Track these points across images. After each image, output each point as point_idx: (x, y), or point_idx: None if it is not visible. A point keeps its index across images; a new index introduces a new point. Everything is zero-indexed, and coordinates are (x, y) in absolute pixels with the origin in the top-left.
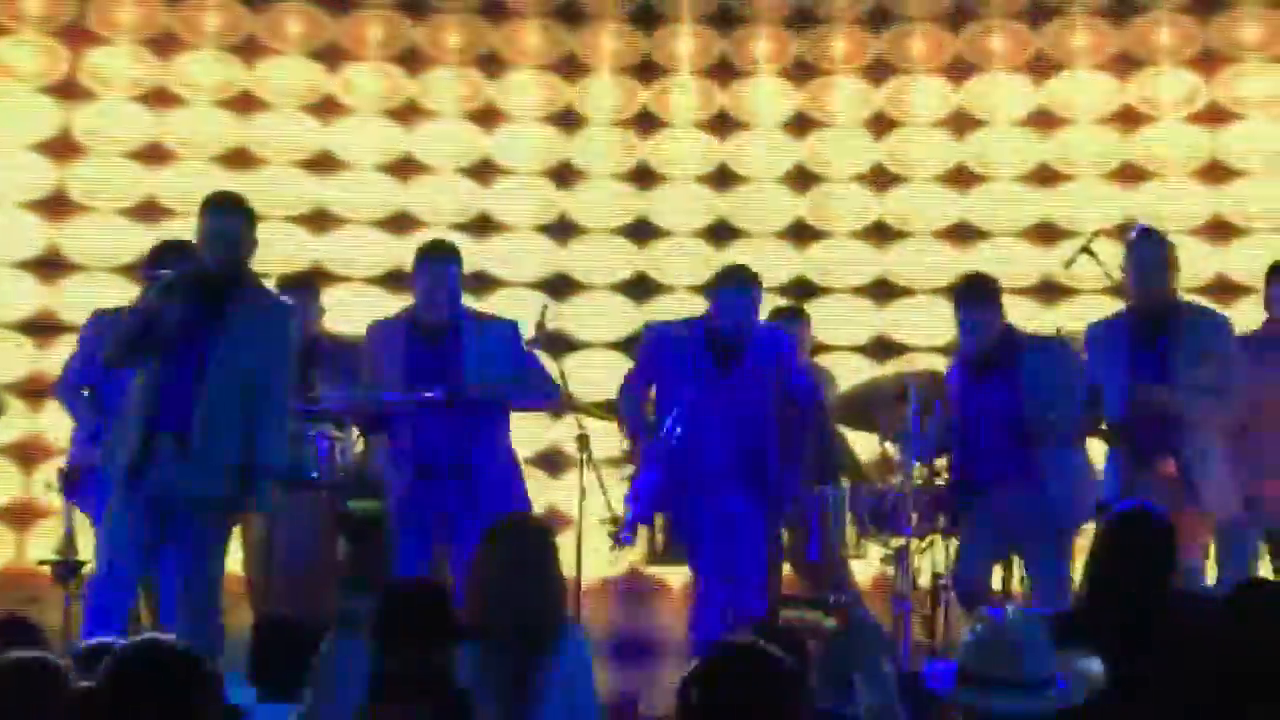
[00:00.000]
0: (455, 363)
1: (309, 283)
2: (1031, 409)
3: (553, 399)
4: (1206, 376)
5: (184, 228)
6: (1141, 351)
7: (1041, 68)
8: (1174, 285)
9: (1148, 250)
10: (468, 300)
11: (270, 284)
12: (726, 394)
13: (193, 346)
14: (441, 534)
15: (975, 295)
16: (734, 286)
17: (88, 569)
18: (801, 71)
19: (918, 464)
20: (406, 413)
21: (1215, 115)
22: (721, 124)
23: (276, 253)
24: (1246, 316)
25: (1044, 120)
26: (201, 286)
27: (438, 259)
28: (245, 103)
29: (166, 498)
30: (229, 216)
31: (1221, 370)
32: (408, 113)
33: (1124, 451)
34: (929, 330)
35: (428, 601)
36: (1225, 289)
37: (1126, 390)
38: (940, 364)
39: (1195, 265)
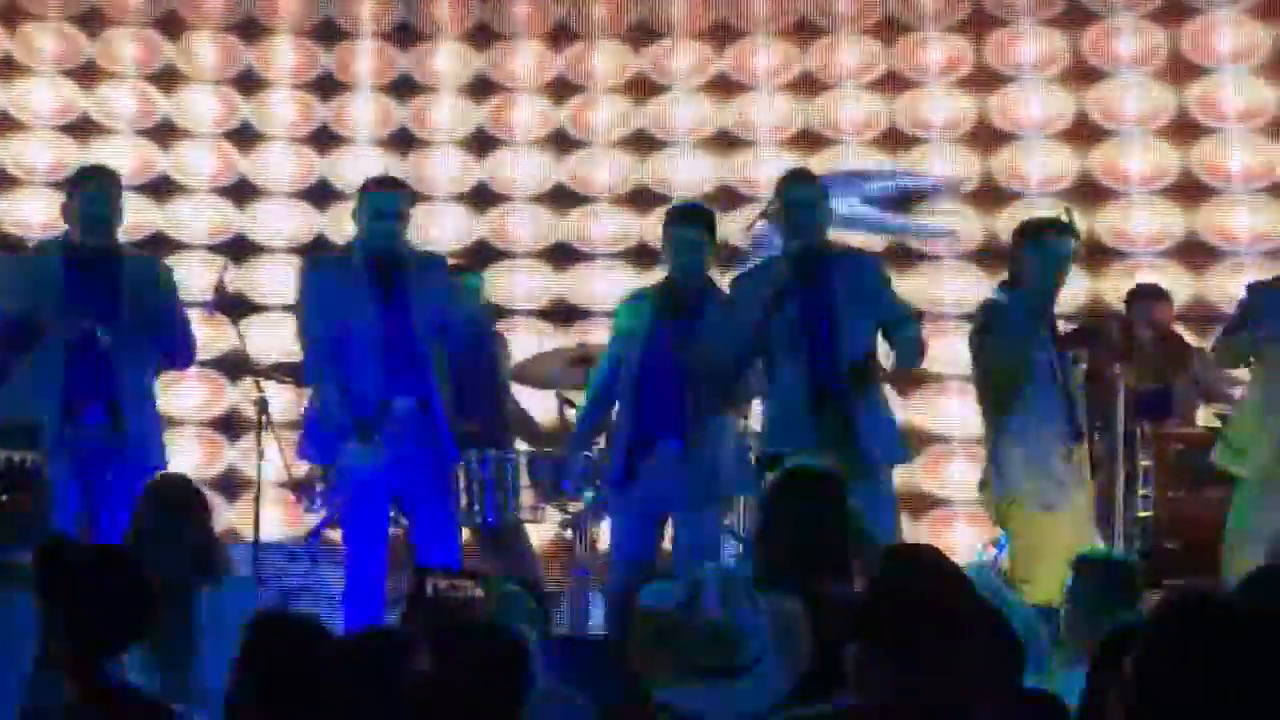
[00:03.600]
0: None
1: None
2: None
3: None
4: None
5: None
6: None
7: (719, 34)
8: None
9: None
10: None
11: None
12: None
13: None
14: None
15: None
16: None
17: None
18: (483, 35)
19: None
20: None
21: (896, 83)
22: (406, 88)
23: None
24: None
25: (723, 87)
26: None
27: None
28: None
29: None
30: None
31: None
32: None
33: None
34: (606, 295)
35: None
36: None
37: None
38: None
39: None
